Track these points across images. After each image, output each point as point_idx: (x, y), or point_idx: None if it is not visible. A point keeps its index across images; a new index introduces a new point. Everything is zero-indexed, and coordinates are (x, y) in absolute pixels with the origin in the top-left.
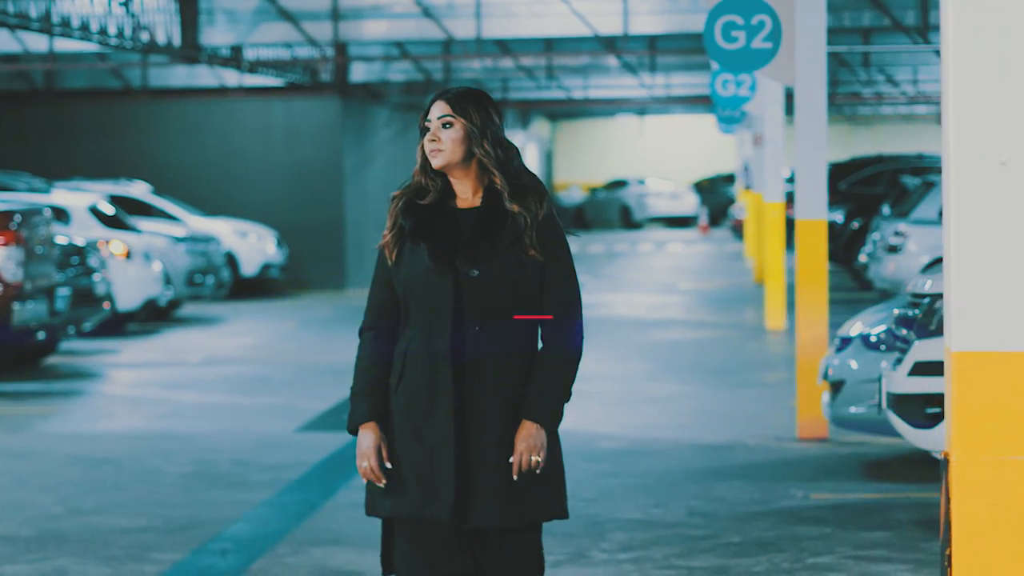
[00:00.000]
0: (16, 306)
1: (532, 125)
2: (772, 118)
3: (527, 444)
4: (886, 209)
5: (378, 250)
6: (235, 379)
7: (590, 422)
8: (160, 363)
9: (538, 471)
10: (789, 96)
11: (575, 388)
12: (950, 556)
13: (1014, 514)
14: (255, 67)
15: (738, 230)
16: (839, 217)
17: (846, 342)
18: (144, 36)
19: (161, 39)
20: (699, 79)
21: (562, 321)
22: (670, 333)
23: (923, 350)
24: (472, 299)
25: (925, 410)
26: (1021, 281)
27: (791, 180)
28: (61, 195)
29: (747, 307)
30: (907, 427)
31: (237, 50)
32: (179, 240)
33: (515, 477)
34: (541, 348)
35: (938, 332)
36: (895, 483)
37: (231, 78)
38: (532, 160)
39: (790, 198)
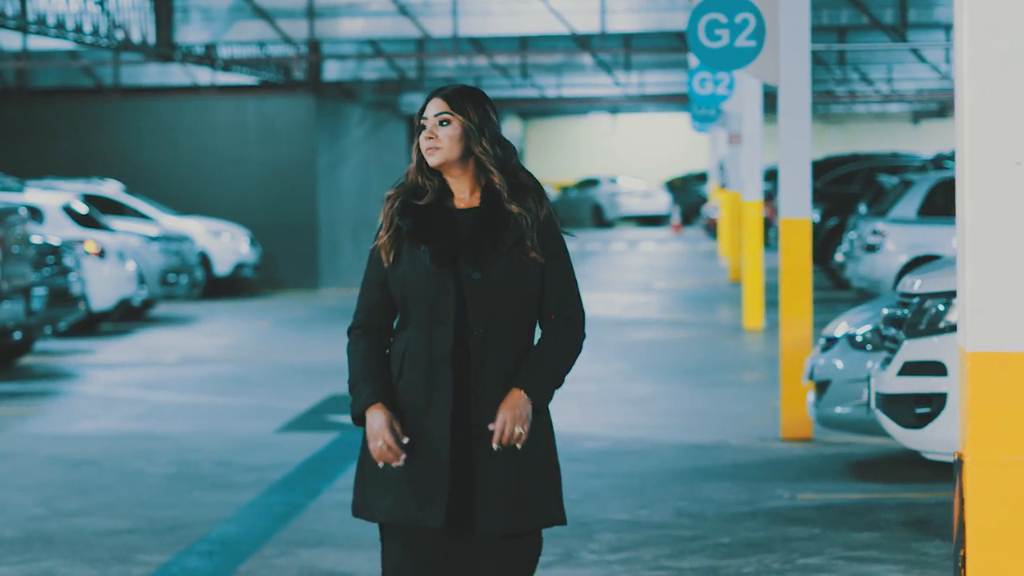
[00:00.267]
0: None
1: (504, 124)
2: (751, 117)
3: (513, 413)
4: (862, 208)
5: (371, 250)
6: (212, 379)
7: (572, 423)
8: (136, 363)
9: (518, 445)
10: (766, 95)
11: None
12: (964, 557)
13: None
14: (229, 65)
15: (712, 229)
16: (815, 216)
17: (832, 342)
18: (119, 34)
19: (136, 37)
20: (673, 77)
21: (567, 320)
22: (647, 333)
23: (913, 350)
24: (474, 302)
25: (915, 410)
26: None
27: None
28: (34, 194)
29: (723, 306)
30: (896, 427)
31: (211, 48)
32: (153, 239)
33: (494, 446)
34: (541, 336)
35: (928, 332)
36: (882, 483)
37: (204, 76)
38: None
39: (766, 197)
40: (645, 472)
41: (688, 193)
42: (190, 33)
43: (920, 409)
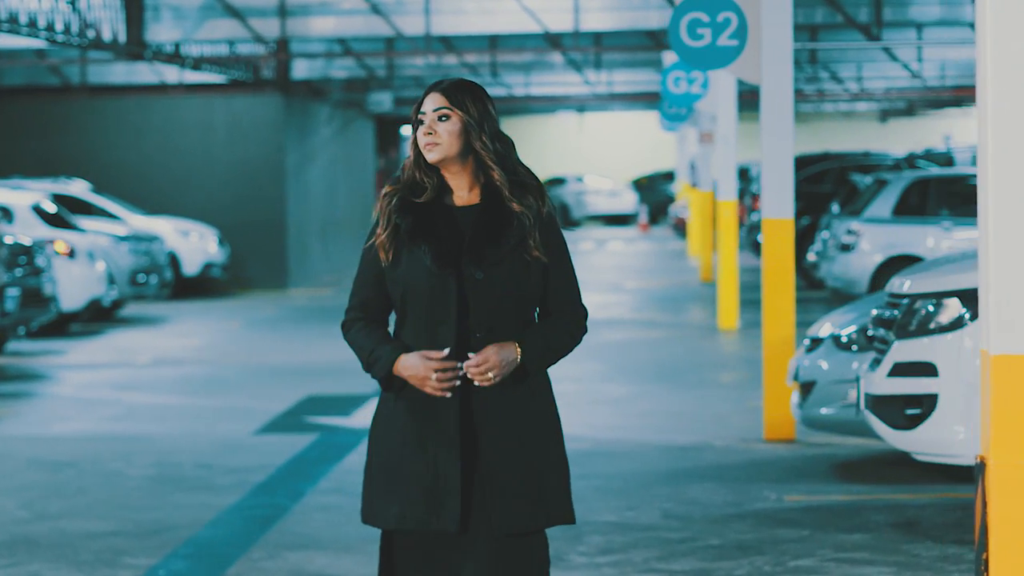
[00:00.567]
0: None
1: None
2: (725, 116)
3: (497, 353)
4: (835, 207)
5: (367, 248)
6: (186, 380)
7: None
8: (108, 364)
9: (474, 382)
10: (739, 94)
11: None
12: (987, 560)
13: None
14: (199, 64)
15: (680, 228)
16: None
17: (816, 343)
18: (90, 33)
19: (107, 36)
20: (641, 76)
21: (570, 316)
22: (621, 333)
23: (903, 351)
24: (476, 303)
25: (905, 411)
26: None
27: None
28: (3, 194)
29: (696, 306)
30: (886, 428)
31: (181, 47)
32: (122, 239)
33: (466, 364)
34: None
35: (918, 333)
36: (868, 484)
37: (171, 75)
38: None
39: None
40: (629, 473)
41: (655, 192)
42: (161, 32)
43: (910, 410)
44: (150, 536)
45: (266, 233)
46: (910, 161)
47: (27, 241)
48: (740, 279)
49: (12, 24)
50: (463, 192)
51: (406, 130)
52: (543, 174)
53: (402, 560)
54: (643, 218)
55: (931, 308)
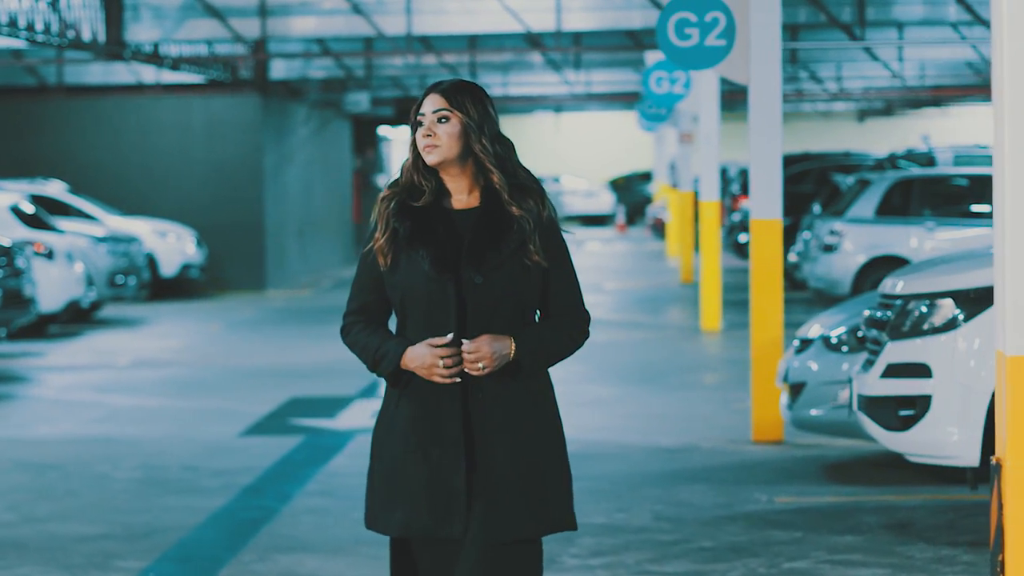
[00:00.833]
0: None
1: None
2: (708, 116)
3: (491, 345)
4: (817, 208)
5: (365, 252)
6: (168, 382)
7: None
8: (89, 366)
9: (464, 366)
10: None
11: None
12: (1003, 562)
13: None
14: (178, 64)
15: (659, 229)
16: None
17: (806, 344)
18: (70, 33)
19: (87, 36)
20: (620, 76)
21: (571, 318)
22: (603, 334)
23: (896, 352)
24: (475, 307)
25: (898, 412)
26: None
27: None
28: None
29: (677, 307)
30: (880, 430)
31: (159, 47)
32: (100, 240)
33: (460, 348)
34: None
35: (912, 334)
36: (858, 486)
37: (149, 75)
38: None
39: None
40: (617, 475)
41: (632, 193)
42: (140, 31)
43: (904, 412)
44: (140, 539)
45: (244, 234)
46: (891, 161)
47: (7, 242)
48: (722, 280)
49: None
50: (462, 195)
51: (383, 130)
52: None
53: (411, 564)
54: (620, 219)
55: (924, 309)
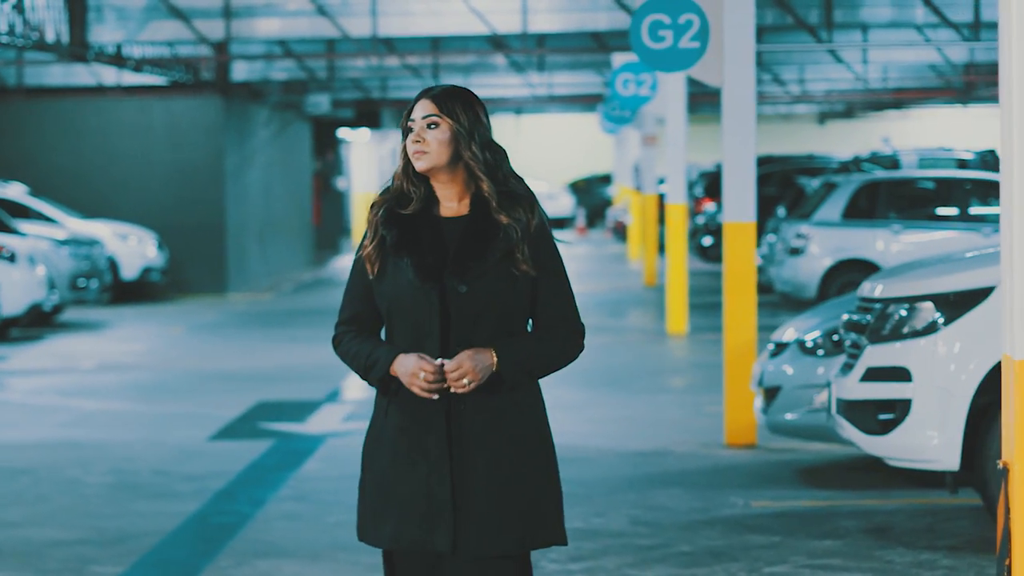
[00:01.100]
0: None
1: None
2: (675, 119)
3: (472, 360)
4: (781, 211)
5: (355, 260)
6: (133, 386)
7: None
8: (53, 370)
9: (463, 390)
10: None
11: None
12: (1010, 567)
13: None
14: (141, 66)
15: (620, 232)
16: None
17: (781, 347)
18: (34, 35)
19: (51, 37)
20: (582, 78)
21: (564, 334)
22: None
23: (876, 355)
24: (459, 316)
25: (878, 416)
26: None
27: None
28: None
29: (642, 311)
30: (859, 434)
31: (122, 48)
32: (62, 243)
33: (445, 371)
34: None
35: (892, 337)
36: (834, 490)
37: (109, 77)
38: None
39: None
40: (592, 480)
41: (592, 195)
42: (104, 33)
43: (883, 415)
44: (115, 544)
45: (205, 237)
46: (856, 164)
47: None
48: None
49: None
50: (452, 203)
51: (343, 132)
52: None
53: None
54: (580, 221)
55: (904, 312)
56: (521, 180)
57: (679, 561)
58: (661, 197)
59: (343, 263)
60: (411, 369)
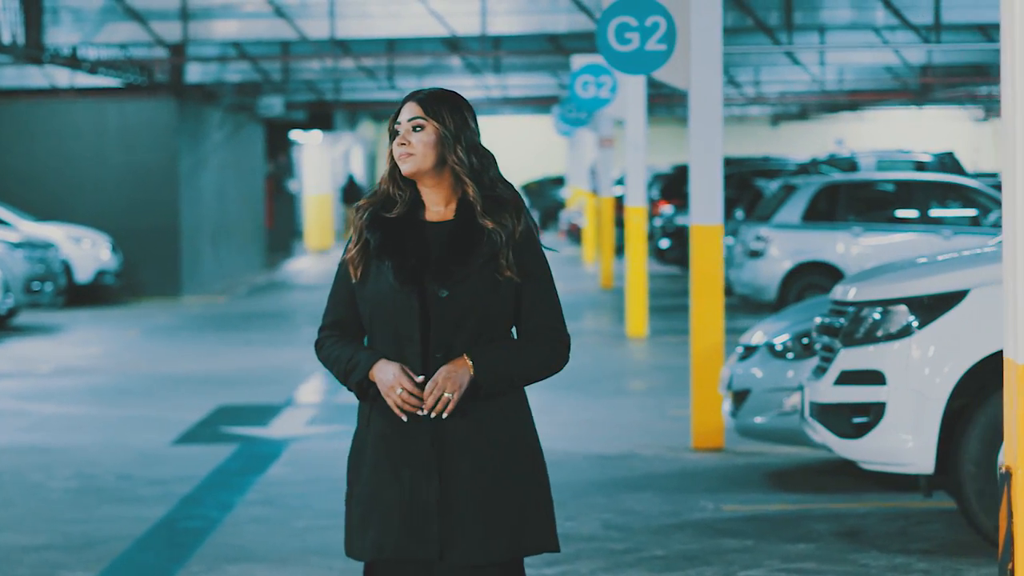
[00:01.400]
0: None
1: (358, 127)
2: (635, 121)
3: (450, 376)
4: (739, 213)
5: (340, 264)
6: (92, 390)
7: None
8: (9, 374)
9: (445, 414)
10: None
11: None
12: (1012, 571)
13: None
14: (96, 67)
15: (575, 234)
16: (687, 221)
17: (750, 350)
18: None
19: (6, 39)
20: (537, 80)
21: (549, 342)
22: None
23: (850, 359)
24: (438, 322)
25: (852, 420)
26: None
27: (623, 182)
28: None
29: (600, 314)
30: (833, 437)
31: (76, 50)
32: (16, 246)
33: (424, 412)
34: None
35: (865, 341)
36: (804, 494)
37: (63, 78)
38: (356, 163)
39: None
40: (560, 483)
41: (545, 197)
42: (60, 35)
43: (857, 419)
44: (84, 549)
45: (159, 240)
46: (813, 166)
47: None
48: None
49: None
50: (438, 207)
51: (295, 135)
52: None
53: None
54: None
55: (878, 316)
56: (509, 185)
57: (653, 565)
58: (618, 199)
59: (296, 266)
60: (390, 382)
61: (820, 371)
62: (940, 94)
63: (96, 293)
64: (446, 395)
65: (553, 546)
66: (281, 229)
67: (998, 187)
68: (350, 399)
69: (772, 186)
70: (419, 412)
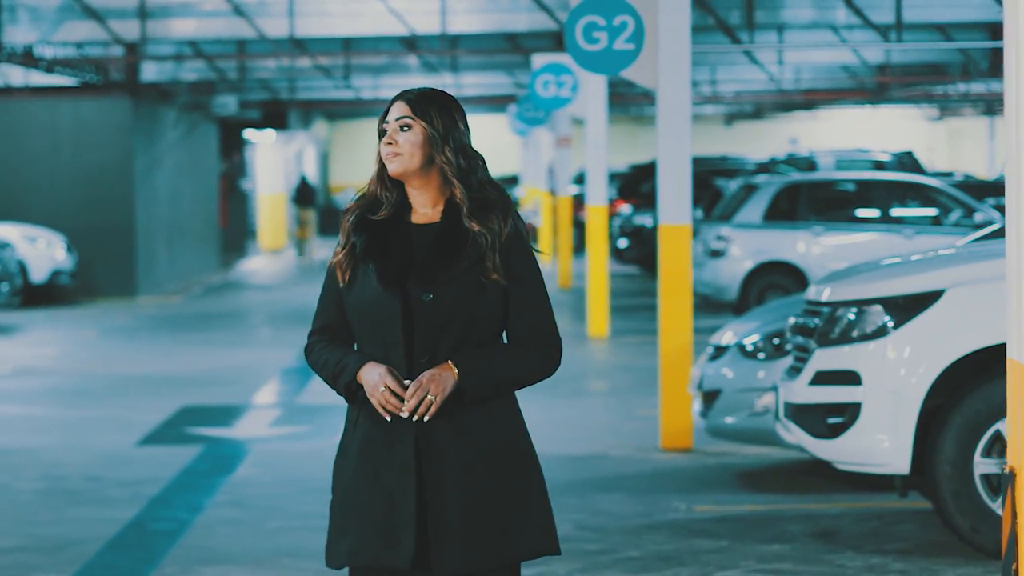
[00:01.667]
0: None
1: (312, 126)
2: (595, 120)
3: (434, 378)
4: (698, 212)
5: (328, 267)
6: (52, 391)
7: None
8: None
9: (426, 417)
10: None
11: None
12: (1016, 571)
13: None
14: (52, 66)
15: (530, 234)
16: (647, 220)
17: (721, 351)
18: None
19: None
20: (493, 79)
21: (535, 343)
22: None
23: (825, 359)
24: (422, 325)
25: (827, 420)
26: None
27: (579, 181)
28: None
29: (560, 314)
30: (808, 437)
31: (31, 49)
32: None
33: (404, 414)
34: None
35: (841, 341)
36: (776, 494)
37: (17, 77)
38: (310, 162)
39: (579, 200)
40: None
41: None
42: (17, 33)
43: (832, 419)
44: (56, 552)
45: (114, 240)
46: (772, 165)
47: None
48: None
49: None
50: (426, 209)
51: (249, 134)
52: None
53: None
54: None
55: (853, 316)
56: (498, 187)
57: (629, 566)
58: (575, 198)
59: (250, 266)
60: (375, 381)
61: (794, 371)
62: (896, 93)
63: (51, 293)
64: (429, 397)
65: (552, 549)
66: (235, 228)
67: (956, 186)
68: (312, 400)
69: (732, 185)
70: (402, 414)
